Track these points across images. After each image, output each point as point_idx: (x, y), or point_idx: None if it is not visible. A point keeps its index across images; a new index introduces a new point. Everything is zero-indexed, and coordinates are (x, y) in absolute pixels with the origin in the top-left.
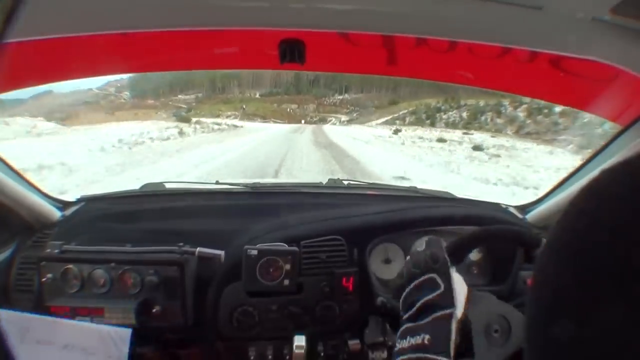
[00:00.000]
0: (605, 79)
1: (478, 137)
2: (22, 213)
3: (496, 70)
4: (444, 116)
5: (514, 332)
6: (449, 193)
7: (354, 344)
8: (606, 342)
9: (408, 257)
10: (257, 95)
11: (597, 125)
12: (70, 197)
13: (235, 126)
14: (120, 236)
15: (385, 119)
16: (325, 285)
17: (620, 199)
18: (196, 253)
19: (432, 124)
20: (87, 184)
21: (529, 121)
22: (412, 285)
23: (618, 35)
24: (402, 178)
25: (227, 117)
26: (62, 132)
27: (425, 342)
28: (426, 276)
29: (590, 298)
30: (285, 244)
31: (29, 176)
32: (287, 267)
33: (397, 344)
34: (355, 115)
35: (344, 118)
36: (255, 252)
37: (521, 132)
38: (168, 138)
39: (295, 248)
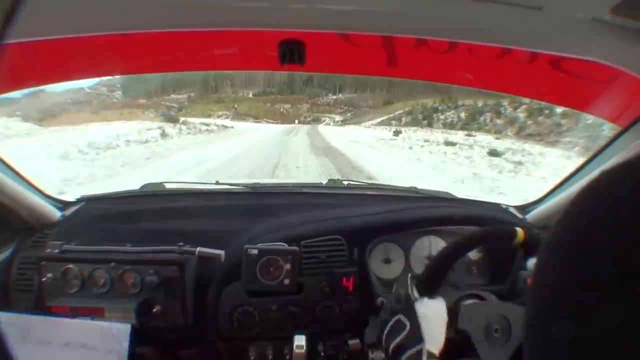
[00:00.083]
0: (605, 80)
1: (481, 138)
2: (22, 213)
3: (496, 71)
4: (441, 117)
5: (514, 331)
6: (449, 193)
7: (354, 343)
8: (606, 342)
9: (392, 293)
10: (250, 95)
11: (601, 126)
12: (70, 197)
13: (225, 127)
14: (120, 236)
15: (381, 119)
16: (325, 285)
17: (620, 199)
18: (196, 253)
19: (430, 125)
20: None
21: (529, 122)
22: (385, 332)
23: (618, 36)
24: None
25: (219, 117)
26: (37, 134)
27: None
28: (394, 319)
29: (590, 298)
30: (285, 244)
31: None
32: (287, 266)
33: None
34: (349, 115)
35: (337, 118)
36: (255, 251)
37: (522, 133)
38: (147, 141)
39: (295, 248)
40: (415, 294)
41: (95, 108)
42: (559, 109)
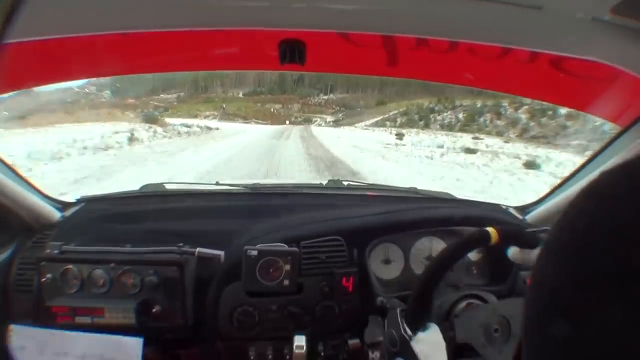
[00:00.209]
0: (605, 80)
1: (491, 142)
2: (22, 214)
3: (496, 71)
4: (438, 117)
5: (513, 329)
6: (449, 194)
7: (354, 343)
8: (605, 342)
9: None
10: (240, 95)
11: (610, 128)
12: (70, 197)
13: (209, 128)
14: (120, 237)
15: (375, 119)
16: (325, 286)
17: (620, 199)
18: (196, 253)
19: (427, 126)
20: None
21: (532, 123)
22: None
23: (618, 35)
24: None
25: (206, 117)
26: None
27: None
28: None
29: (589, 298)
30: (285, 245)
31: None
32: (287, 267)
33: None
34: (341, 116)
35: (329, 118)
36: (255, 252)
37: (525, 135)
38: (107, 148)
39: (295, 248)
40: (408, 331)
41: (72, 108)
42: (563, 110)
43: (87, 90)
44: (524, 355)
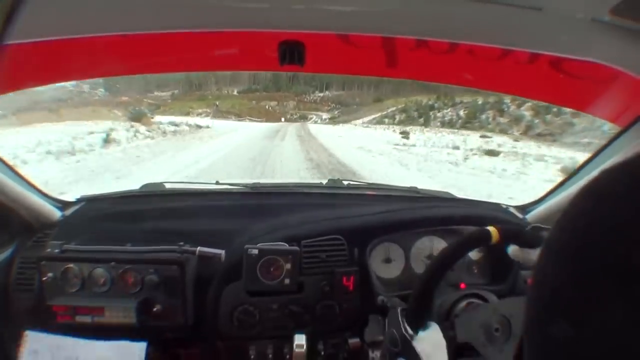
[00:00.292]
0: (604, 81)
1: (500, 140)
2: (22, 213)
3: (496, 72)
4: (439, 114)
5: (514, 328)
6: (449, 193)
7: (354, 342)
8: (606, 342)
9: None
10: (235, 93)
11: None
12: (70, 197)
13: (199, 127)
14: (120, 236)
15: (373, 116)
16: (325, 285)
17: (620, 198)
18: (196, 252)
19: (426, 123)
20: None
21: (537, 121)
22: None
23: (617, 36)
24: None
25: (198, 114)
26: None
27: None
28: None
29: (590, 298)
30: (285, 244)
31: None
32: (288, 266)
33: None
34: (336, 113)
35: (325, 116)
36: (255, 251)
37: (530, 133)
38: (75, 152)
39: (295, 247)
40: (409, 330)
41: (56, 106)
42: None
43: (80, 89)
44: (524, 354)
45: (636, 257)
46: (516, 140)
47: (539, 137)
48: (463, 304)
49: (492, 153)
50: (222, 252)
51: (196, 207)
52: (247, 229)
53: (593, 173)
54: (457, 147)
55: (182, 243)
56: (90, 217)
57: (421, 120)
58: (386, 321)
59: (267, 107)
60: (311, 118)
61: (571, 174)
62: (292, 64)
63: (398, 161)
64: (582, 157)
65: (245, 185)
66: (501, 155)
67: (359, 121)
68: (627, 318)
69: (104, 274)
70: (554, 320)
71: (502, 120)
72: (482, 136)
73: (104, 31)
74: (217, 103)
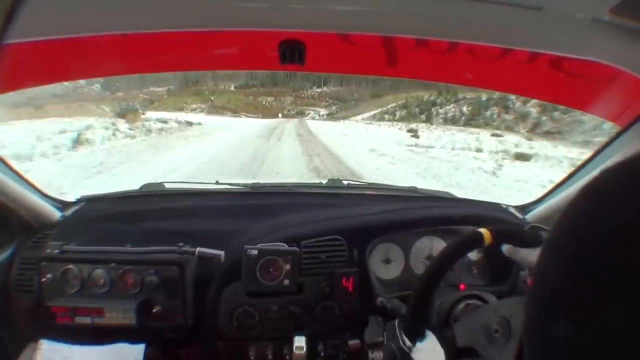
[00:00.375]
0: (604, 80)
1: (513, 139)
2: (22, 213)
3: (496, 71)
4: (441, 111)
5: (513, 329)
6: (449, 193)
7: (354, 343)
8: (605, 342)
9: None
10: (232, 88)
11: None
12: (70, 197)
13: (190, 123)
14: (120, 236)
15: (372, 112)
16: (325, 285)
17: (620, 197)
18: (196, 253)
19: (428, 119)
20: None
21: (544, 118)
22: None
23: (618, 36)
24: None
25: (192, 110)
26: None
27: None
28: None
29: (590, 298)
30: (285, 244)
31: None
32: (287, 267)
33: None
34: (334, 108)
35: (323, 111)
36: (255, 252)
37: (538, 130)
38: (33, 157)
39: (295, 248)
40: (407, 342)
41: (43, 102)
42: None
43: (76, 84)
44: (524, 354)
45: (636, 257)
46: (528, 139)
47: (548, 135)
48: (462, 305)
49: (523, 157)
50: (222, 252)
51: (196, 207)
52: (246, 229)
53: (593, 173)
54: (480, 150)
55: (181, 244)
56: (90, 218)
57: (423, 116)
58: (384, 335)
59: (264, 102)
60: (309, 114)
61: (571, 174)
62: (292, 64)
63: (425, 171)
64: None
65: (245, 185)
66: (532, 159)
67: (359, 117)
68: (627, 318)
69: (103, 274)
70: (554, 320)
71: (507, 117)
72: (493, 135)
73: (104, 31)
74: (212, 98)
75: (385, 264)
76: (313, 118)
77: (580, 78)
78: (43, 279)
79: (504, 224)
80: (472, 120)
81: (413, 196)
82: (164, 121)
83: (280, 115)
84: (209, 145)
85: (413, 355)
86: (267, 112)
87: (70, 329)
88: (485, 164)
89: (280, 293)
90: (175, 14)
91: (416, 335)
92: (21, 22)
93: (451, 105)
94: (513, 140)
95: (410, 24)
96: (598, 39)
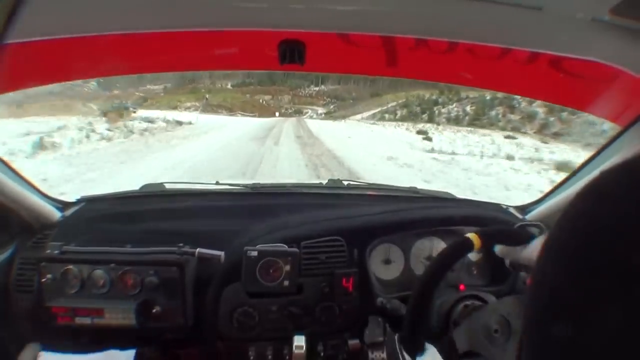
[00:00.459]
0: (604, 80)
1: (528, 142)
2: (22, 213)
3: (496, 71)
4: (443, 110)
5: (513, 328)
6: (449, 193)
7: (353, 344)
8: (605, 342)
9: None
10: (229, 86)
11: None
12: (70, 197)
13: (179, 123)
14: (120, 237)
15: (372, 111)
16: (325, 286)
17: (620, 198)
18: (196, 254)
19: (430, 119)
20: None
21: (552, 119)
22: None
23: (617, 36)
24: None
25: (186, 108)
26: None
27: None
28: None
29: (589, 298)
30: (285, 245)
31: None
32: (287, 268)
33: None
34: (332, 107)
35: (320, 110)
36: (255, 253)
37: (546, 132)
38: None
39: (295, 249)
40: (407, 357)
41: (27, 100)
42: None
43: (73, 82)
44: (524, 354)
45: (636, 257)
46: (543, 141)
47: (557, 136)
48: (461, 305)
49: (563, 167)
50: (222, 253)
51: (196, 208)
52: (246, 229)
53: (593, 173)
54: (511, 157)
55: (181, 244)
56: (90, 218)
57: (424, 116)
58: (384, 350)
59: (261, 101)
60: (306, 113)
61: (571, 174)
62: (292, 64)
63: (473, 192)
64: None
65: (245, 186)
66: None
67: (358, 116)
68: (627, 318)
69: (103, 275)
70: (553, 320)
71: (513, 117)
72: (507, 137)
73: (104, 30)
74: (207, 97)
75: (385, 265)
76: (311, 117)
77: (580, 78)
78: (43, 280)
79: (491, 225)
80: (477, 120)
81: (413, 197)
82: (151, 120)
83: (277, 114)
84: (195, 150)
85: None
86: (264, 111)
87: (70, 330)
88: (529, 177)
89: (280, 294)
90: (175, 14)
91: (416, 350)
92: (22, 22)
93: (454, 105)
94: (529, 144)
95: (410, 24)
96: (598, 39)
